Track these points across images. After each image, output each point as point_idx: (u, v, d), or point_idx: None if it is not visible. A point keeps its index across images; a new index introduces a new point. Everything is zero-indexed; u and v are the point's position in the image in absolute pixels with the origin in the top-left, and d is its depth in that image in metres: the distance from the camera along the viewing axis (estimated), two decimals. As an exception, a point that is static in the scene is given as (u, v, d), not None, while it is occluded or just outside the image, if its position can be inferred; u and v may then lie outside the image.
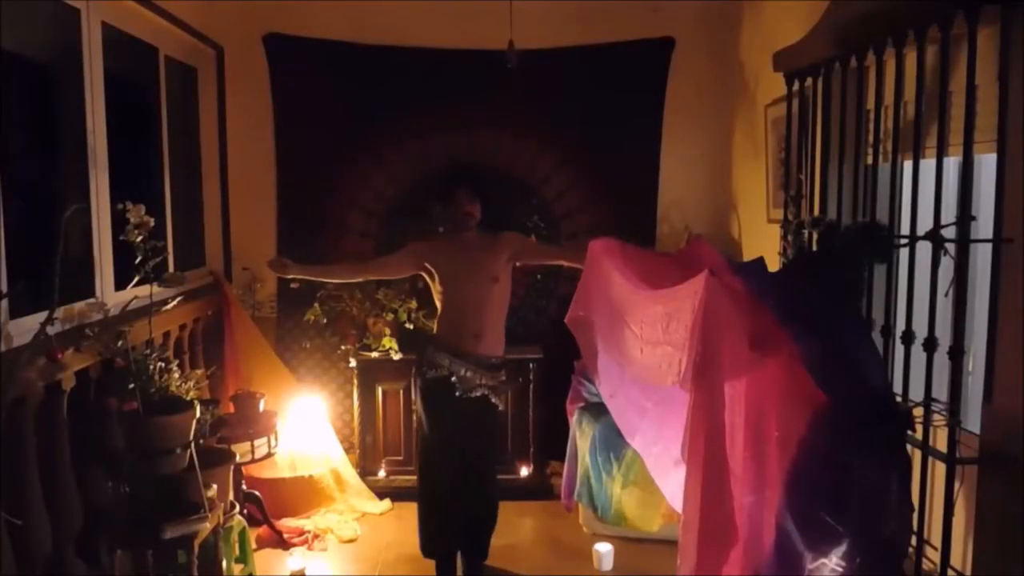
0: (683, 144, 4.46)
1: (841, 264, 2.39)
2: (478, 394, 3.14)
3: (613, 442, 3.47)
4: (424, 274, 3.24)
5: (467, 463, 3.17)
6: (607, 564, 3.47)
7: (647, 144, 4.44)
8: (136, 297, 2.80)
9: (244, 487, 3.58)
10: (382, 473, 4.26)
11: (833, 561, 1.92)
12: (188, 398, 2.68)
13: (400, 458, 4.25)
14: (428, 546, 3.29)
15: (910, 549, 2.25)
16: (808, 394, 1.93)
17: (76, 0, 2.92)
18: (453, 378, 3.10)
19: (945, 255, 2.15)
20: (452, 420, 3.13)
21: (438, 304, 3.24)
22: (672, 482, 2.63)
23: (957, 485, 2.15)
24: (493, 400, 3.20)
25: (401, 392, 4.21)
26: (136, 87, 3.73)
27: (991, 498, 2.04)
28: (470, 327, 3.13)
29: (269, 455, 3.57)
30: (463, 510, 3.20)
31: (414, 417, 3.85)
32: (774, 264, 2.95)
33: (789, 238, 2.93)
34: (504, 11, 3.40)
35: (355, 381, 4.24)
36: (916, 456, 2.25)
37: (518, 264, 3.31)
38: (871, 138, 2.59)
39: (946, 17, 2.13)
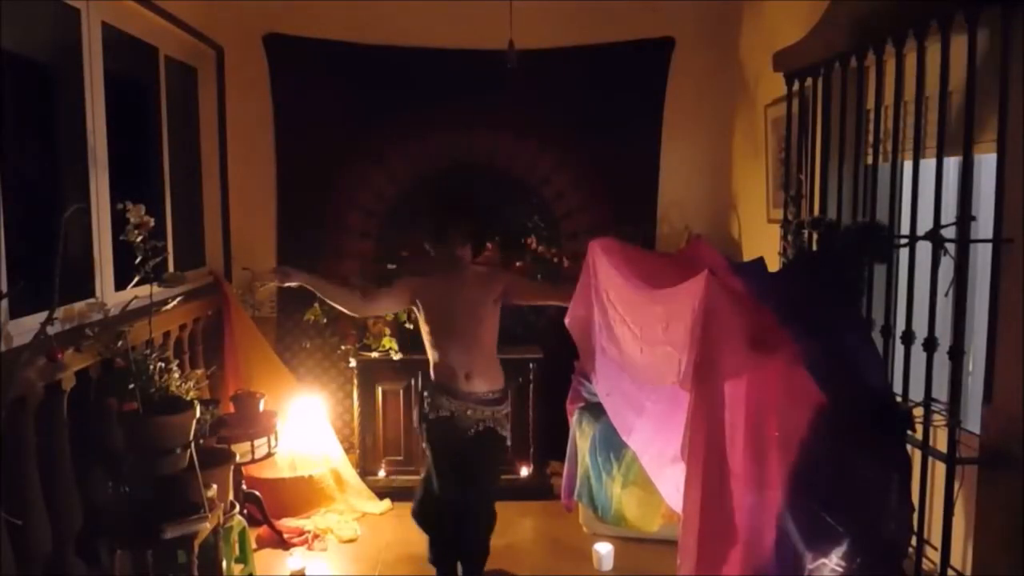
0: (683, 144, 4.46)
1: (841, 264, 2.39)
2: (481, 427, 3.09)
3: (613, 442, 3.46)
4: (415, 310, 3.18)
5: (468, 487, 3.08)
6: (607, 564, 3.47)
7: (647, 144, 4.44)
8: (136, 297, 2.80)
9: (244, 487, 3.58)
10: (382, 473, 4.26)
11: (833, 561, 1.92)
12: (188, 398, 2.68)
13: (400, 458, 4.25)
14: (437, 559, 3.24)
15: (910, 549, 2.25)
16: (808, 394, 1.93)
17: (76, 0, 2.92)
18: (454, 414, 3.07)
19: (945, 255, 2.15)
20: (457, 456, 3.07)
21: (427, 344, 3.17)
22: (668, 480, 2.64)
23: (957, 485, 2.15)
24: (498, 431, 3.13)
25: (401, 392, 4.21)
26: (136, 87, 3.73)
27: (991, 498, 2.04)
28: (461, 368, 3.07)
29: (269, 455, 3.57)
30: (460, 526, 3.14)
31: (414, 419, 3.81)
32: (774, 264, 2.95)
33: (789, 238, 2.93)
34: (504, 11, 3.40)
35: (355, 381, 4.24)
36: (916, 456, 2.26)
37: (514, 303, 3.26)
38: (871, 138, 2.59)
39: (946, 17, 2.13)
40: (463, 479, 3.08)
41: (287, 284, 3.08)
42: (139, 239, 2.59)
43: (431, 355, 3.17)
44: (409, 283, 3.18)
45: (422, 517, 3.23)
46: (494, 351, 3.18)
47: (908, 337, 2.33)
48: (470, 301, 3.10)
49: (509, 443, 3.24)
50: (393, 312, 3.38)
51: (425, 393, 3.17)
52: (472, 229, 3.14)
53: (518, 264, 4.26)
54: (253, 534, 3.55)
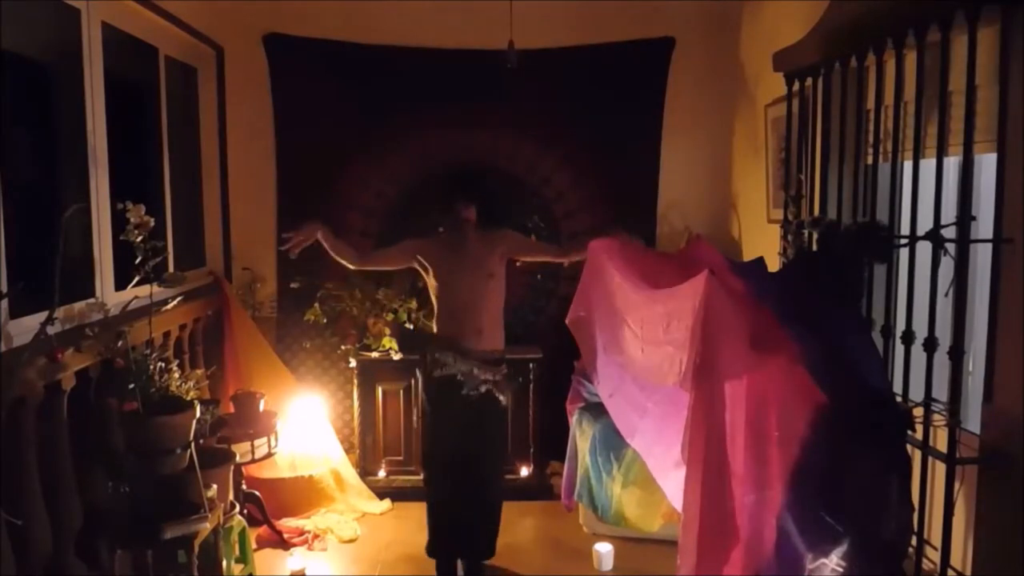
0: (683, 144, 4.45)
1: (841, 264, 2.39)
2: (483, 390, 3.15)
3: (613, 442, 3.47)
4: (420, 269, 3.28)
5: (471, 463, 3.18)
6: (607, 564, 3.47)
7: (647, 144, 4.43)
8: (136, 297, 2.80)
9: (244, 487, 3.58)
10: (382, 473, 4.26)
11: (833, 561, 1.92)
12: (188, 398, 2.68)
13: (400, 458, 4.25)
14: (433, 546, 3.31)
15: (910, 549, 2.25)
16: (808, 394, 1.93)
17: (76, 0, 2.92)
18: (459, 376, 3.12)
19: (945, 255, 2.15)
20: (460, 418, 3.16)
21: (434, 301, 3.27)
22: (674, 482, 2.63)
23: (957, 485, 2.15)
24: (498, 396, 3.21)
25: (401, 392, 4.21)
26: (136, 87, 3.73)
27: (991, 498, 2.04)
28: (471, 323, 3.17)
29: (269, 455, 3.57)
30: (465, 510, 3.21)
31: (415, 417, 3.90)
32: (774, 264, 2.96)
33: (789, 238, 2.93)
34: (504, 11, 3.40)
35: (355, 381, 4.24)
36: (916, 456, 2.26)
37: (516, 262, 3.33)
38: (871, 138, 2.59)
39: (946, 17, 2.13)
40: (466, 445, 3.15)
41: (314, 237, 3.28)
42: (139, 239, 2.59)
43: (441, 314, 3.24)
44: (414, 242, 3.31)
45: (435, 500, 3.29)
46: (501, 311, 3.28)
47: (908, 337, 2.33)
48: (477, 257, 3.20)
49: (506, 405, 3.30)
50: (392, 268, 3.56)
51: (430, 348, 3.22)
52: (476, 191, 3.26)
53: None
54: (253, 534, 3.55)
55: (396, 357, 4.13)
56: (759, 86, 3.84)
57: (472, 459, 3.19)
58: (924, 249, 2.22)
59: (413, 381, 4.03)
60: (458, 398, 3.13)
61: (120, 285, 3.09)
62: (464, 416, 3.15)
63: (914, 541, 2.29)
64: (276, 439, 3.59)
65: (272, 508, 3.79)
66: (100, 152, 3.05)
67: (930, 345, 2.23)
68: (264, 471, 3.85)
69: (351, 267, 3.45)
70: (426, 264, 3.24)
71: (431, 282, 3.26)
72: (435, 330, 3.29)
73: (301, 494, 4.01)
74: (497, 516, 3.33)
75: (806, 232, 2.84)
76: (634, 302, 2.53)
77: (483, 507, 3.27)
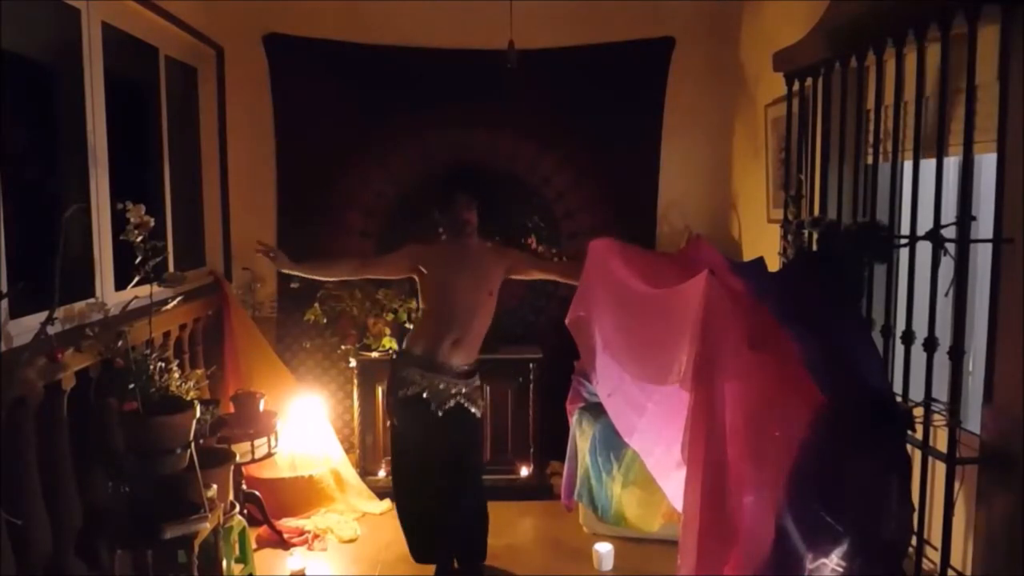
0: (683, 144, 4.46)
1: (841, 264, 2.39)
2: (452, 404, 3.10)
3: (613, 442, 3.47)
4: (416, 276, 3.21)
5: (448, 477, 3.13)
6: (607, 564, 3.47)
7: (647, 144, 4.43)
8: (136, 297, 2.80)
9: (244, 487, 3.58)
10: (382, 473, 4.26)
11: (833, 561, 1.92)
12: (188, 398, 2.68)
13: (400, 458, 4.25)
14: (417, 554, 3.33)
15: (910, 549, 2.25)
16: (808, 394, 1.93)
17: (76, 0, 2.92)
18: (425, 394, 3.07)
19: (945, 255, 2.15)
20: (428, 437, 3.11)
21: (424, 307, 3.21)
22: (674, 482, 2.63)
23: (957, 485, 2.15)
24: (470, 408, 3.16)
25: (401, 392, 4.21)
26: (136, 87, 3.73)
27: (991, 498, 2.04)
28: (452, 333, 3.08)
29: (269, 455, 3.57)
30: (450, 520, 3.19)
31: (388, 424, 3.82)
32: (774, 264, 2.95)
33: (789, 238, 2.93)
34: (504, 11, 3.40)
35: (355, 381, 4.24)
36: (916, 456, 2.26)
37: (514, 278, 3.29)
38: (871, 138, 2.59)
39: (946, 17, 2.13)
40: (438, 461, 3.11)
41: (278, 269, 3.25)
42: (139, 239, 2.59)
43: (424, 321, 3.19)
44: (414, 248, 3.24)
45: (406, 513, 3.30)
46: (485, 331, 3.21)
47: (908, 337, 2.33)
48: (476, 269, 3.13)
49: (479, 415, 3.26)
50: (392, 277, 3.53)
51: (396, 366, 3.17)
52: (477, 191, 3.19)
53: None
54: (253, 534, 3.55)
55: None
56: (759, 86, 3.84)
57: (443, 470, 3.12)
58: (924, 249, 2.22)
59: (384, 398, 3.84)
60: (424, 416, 3.07)
61: (120, 285, 3.09)
62: (431, 433, 3.09)
63: (914, 541, 2.29)
64: (276, 439, 3.59)
65: (272, 508, 3.79)
66: (100, 152, 3.05)
67: (930, 345, 2.23)
68: (264, 471, 3.85)
69: (353, 278, 3.42)
70: (424, 271, 3.16)
71: (425, 288, 3.17)
72: (405, 344, 3.20)
73: (301, 494, 4.01)
74: (482, 520, 3.30)
75: (806, 232, 2.84)
76: (634, 302, 2.53)
77: (464, 514, 3.21)
